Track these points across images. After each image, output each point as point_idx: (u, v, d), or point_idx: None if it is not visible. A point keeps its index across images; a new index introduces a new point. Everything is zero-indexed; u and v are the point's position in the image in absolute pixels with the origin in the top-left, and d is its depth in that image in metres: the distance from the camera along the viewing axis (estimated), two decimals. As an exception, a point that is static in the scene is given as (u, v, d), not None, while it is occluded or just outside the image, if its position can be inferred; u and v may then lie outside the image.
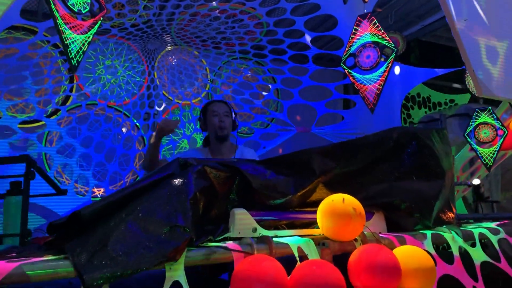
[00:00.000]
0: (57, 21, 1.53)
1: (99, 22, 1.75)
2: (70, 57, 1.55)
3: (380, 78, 2.32)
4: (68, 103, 3.35)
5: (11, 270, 0.87)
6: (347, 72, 2.46)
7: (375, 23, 2.41)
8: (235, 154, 2.38)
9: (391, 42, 2.36)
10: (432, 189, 1.69)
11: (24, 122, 3.11)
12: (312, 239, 1.30)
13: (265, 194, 1.43)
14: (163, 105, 3.83)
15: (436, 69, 3.13)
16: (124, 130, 3.57)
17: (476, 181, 4.15)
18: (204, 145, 2.45)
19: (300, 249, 1.24)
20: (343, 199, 1.37)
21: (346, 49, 2.47)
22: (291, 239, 1.30)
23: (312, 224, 1.52)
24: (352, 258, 1.26)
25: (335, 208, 1.35)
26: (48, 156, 3.23)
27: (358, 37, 2.47)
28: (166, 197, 1.20)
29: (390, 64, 2.28)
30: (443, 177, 1.72)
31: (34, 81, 3.10)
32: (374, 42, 2.40)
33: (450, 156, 1.85)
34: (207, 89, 3.99)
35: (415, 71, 3.12)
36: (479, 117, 2.36)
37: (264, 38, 3.32)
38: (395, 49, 2.30)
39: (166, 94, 3.84)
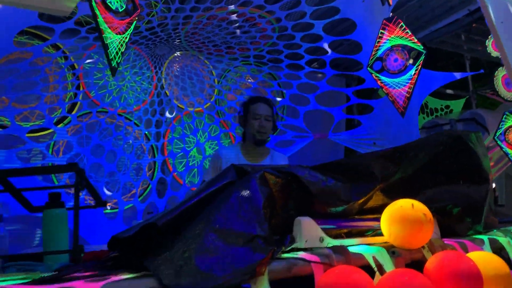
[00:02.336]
0: (98, 19, 1.47)
1: (134, 22, 1.70)
2: (110, 58, 1.48)
3: (410, 81, 2.31)
4: (74, 111, 3.24)
5: (98, 291, 0.80)
6: (374, 77, 2.44)
7: (401, 26, 2.41)
8: (266, 158, 2.35)
9: (419, 44, 2.36)
10: (480, 193, 1.68)
11: (32, 131, 2.98)
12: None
13: (326, 202, 1.38)
14: (174, 112, 3.75)
15: (454, 73, 3.15)
16: (133, 139, 3.47)
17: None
18: (242, 140, 2.44)
19: (374, 259, 1.19)
20: (412, 204, 1.33)
21: (373, 53, 2.45)
22: (361, 248, 1.26)
23: (368, 231, 1.47)
24: (430, 266, 1.21)
25: (405, 214, 1.30)
26: (56, 167, 3.09)
27: (384, 41, 2.47)
28: (237, 206, 1.14)
29: (419, 67, 2.27)
30: (488, 181, 1.71)
31: (44, 88, 2.98)
32: (402, 45, 2.39)
33: (488, 159, 1.85)
34: (218, 94, 3.93)
35: (433, 75, 3.13)
36: (509, 119, 2.37)
37: (281, 42, 3.29)
38: (424, 51, 2.30)
39: (177, 102, 3.77)
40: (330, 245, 1.23)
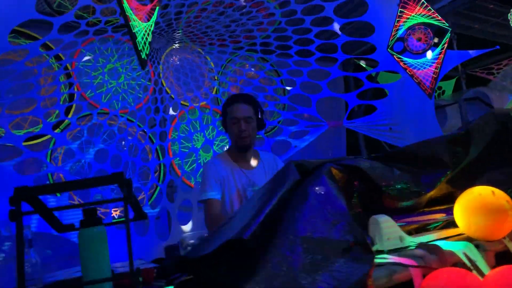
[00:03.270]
0: (123, 4, 1.30)
1: (158, 8, 1.54)
2: (139, 49, 1.32)
3: (436, 61, 2.20)
4: (70, 115, 3.01)
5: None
6: (396, 58, 2.33)
7: (423, 3, 2.29)
8: (259, 165, 2.16)
9: (444, 21, 2.24)
10: (536, 174, 1.61)
11: (28, 138, 2.74)
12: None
13: (395, 195, 1.26)
14: (178, 109, 3.56)
15: (470, 51, 3.07)
16: (137, 141, 3.27)
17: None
18: (228, 150, 2.22)
19: (466, 255, 1.09)
20: (492, 191, 1.23)
21: (392, 33, 2.33)
22: (444, 244, 1.15)
23: (431, 225, 1.38)
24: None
25: (486, 203, 1.21)
26: (55, 177, 2.87)
27: (404, 20, 2.35)
28: (319, 209, 1.01)
29: (445, 45, 2.17)
30: (537, 161, 1.64)
31: (39, 91, 2.73)
32: (424, 23, 2.28)
33: (528, 139, 1.78)
34: (222, 87, 3.76)
35: (449, 54, 3.03)
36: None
37: (290, 27, 3.14)
38: (450, 28, 2.20)
39: (180, 97, 3.59)
40: (413, 245, 1.12)
